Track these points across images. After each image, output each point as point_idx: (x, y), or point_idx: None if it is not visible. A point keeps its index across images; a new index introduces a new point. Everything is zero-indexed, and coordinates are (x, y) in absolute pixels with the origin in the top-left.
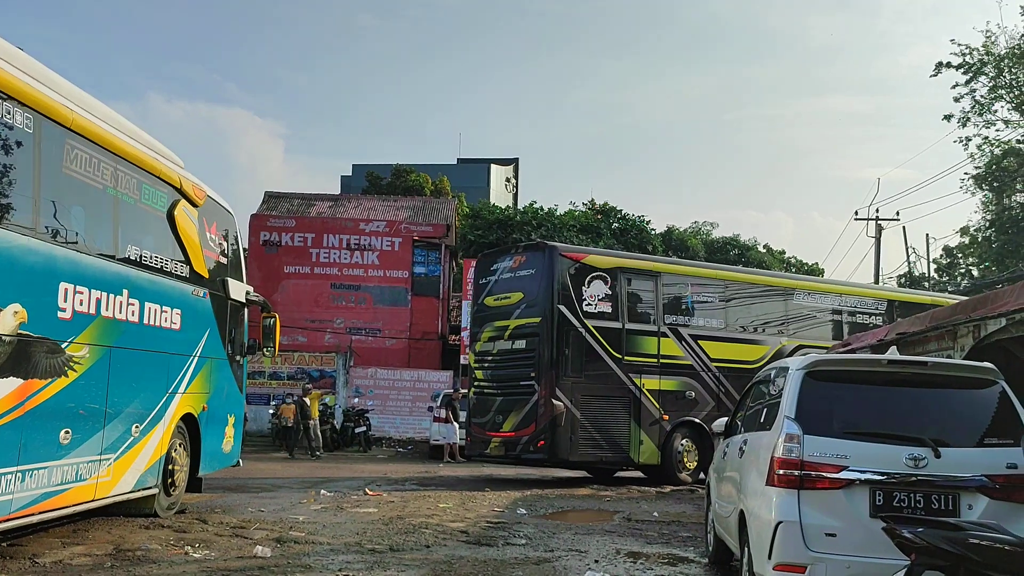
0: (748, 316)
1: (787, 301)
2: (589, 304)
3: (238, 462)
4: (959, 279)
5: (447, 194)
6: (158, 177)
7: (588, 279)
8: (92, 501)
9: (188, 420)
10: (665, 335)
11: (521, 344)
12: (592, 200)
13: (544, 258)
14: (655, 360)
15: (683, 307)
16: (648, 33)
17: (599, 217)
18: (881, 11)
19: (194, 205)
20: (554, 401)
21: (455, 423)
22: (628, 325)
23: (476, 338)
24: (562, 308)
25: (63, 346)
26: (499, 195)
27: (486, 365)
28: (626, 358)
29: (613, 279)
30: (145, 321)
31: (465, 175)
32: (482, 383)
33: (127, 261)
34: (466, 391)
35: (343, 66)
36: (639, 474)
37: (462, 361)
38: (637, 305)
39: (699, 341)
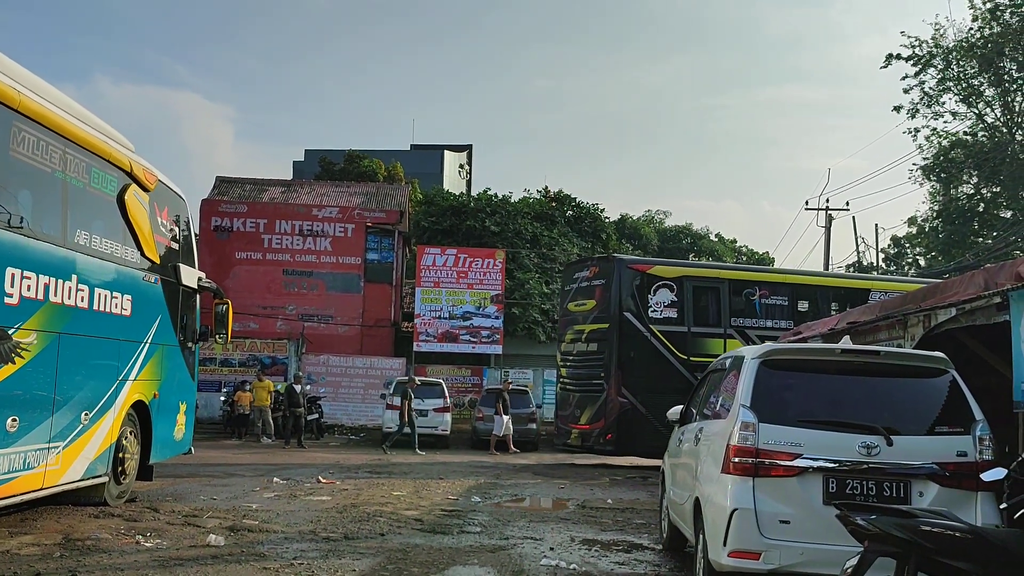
0: (819, 316)
1: (862, 301)
2: (655, 310)
3: (190, 450)
4: (907, 269)
5: (400, 180)
6: (108, 161)
7: (654, 288)
8: (40, 490)
9: (139, 407)
10: (732, 336)
11: (594, 347)
12: (546, 188)
13: (612, 269)
14: None
15: (750, 310)
16: (602, 22)
17: (553, 205)
18: (833, 2)
19: (145, 190)
20: (620, 399)
21: (504, 416)
22: (693, 328)
23: (562, 339)
24: (627, 315)
25: (10, 332)
26: (453, 182)
27: (568, 364)
28: (692, 358)
29: (679, 287)
30: (95, 307)
31: (418, 161)
32: (565, 379)
33: (76, 246)
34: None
35: (294, 49)
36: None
37: (415, 348)
38: (703, 310)
39: (767, 342)
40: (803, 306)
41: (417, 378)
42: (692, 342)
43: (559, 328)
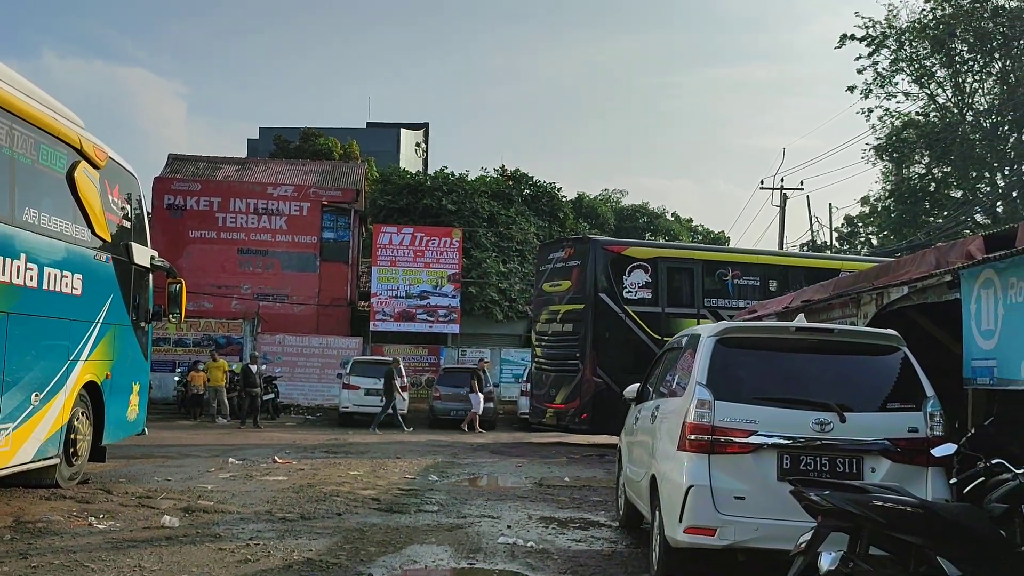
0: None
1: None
2: (630, 291)
3: (143, 431)
4: (859, 248)
5: (356, 158)
6: (57, 137)
7: (629, 269)
8: None
9: (91, 388)
10: (705, 316)
11: (569, 327)
12: (503, 166)
13: (587, 251)
14: None
15: (723, 290)
16: (558, 0)
17: (510, 183)
18: None
19: (95, 167)
20: (595, 379)
21: (480, 393)
22: (667, 309)
23: (536, 319)
24: (603, 296)
25: None
26: (409, 160)
27: (543, 344)
28: (665, 339)
29: (653, 268)
30: (44, 286)
31: (374, 139)
32: (540, 360)
33: (25, 224)
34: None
35: (248, 25)
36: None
37: (371, 328)
38: (676, 290)
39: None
40: (774, 286)
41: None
42: (666, 322)
43: (534, 308)
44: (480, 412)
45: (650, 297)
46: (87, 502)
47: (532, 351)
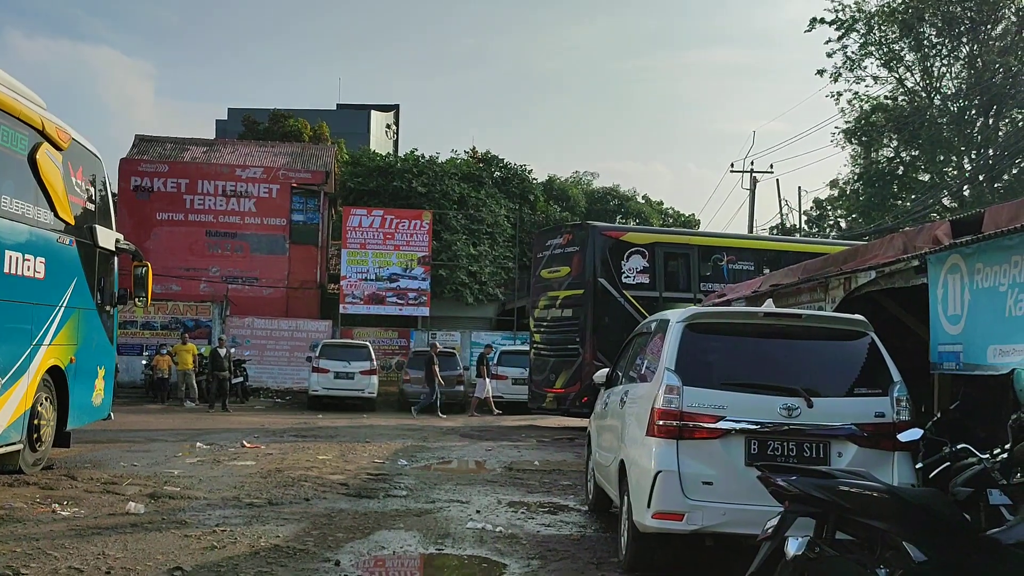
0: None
1: None
2: (628, 276)
3: (109, 415)
4: (828, 231)
5: (326, 140)
6: (17, 118)
7: (627, 254)
8: None
9: (55, 373)
10: (701, 301)
11: (569, 312)
12: (474, 148)
13: (586, 236)
14: None
15: (718, 275)
16: None
17: (481, 165)
18: None
19: (58, 149)
20: (595, 362)
21: (487, 378)
22: (665, 293)
23: (535, 306)
24: (602, 281)
25: None
26: (379, 142)
27: (542, 330)
28: None
29: (651, 253)
30: (5, 270)
31: (345, 121)
32: (539, 345)
33: None
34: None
35: (216, 3)
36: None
37: (341, 310)
38: (673, 275)
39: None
40: (767, 271)
41: (439, 344)
42: (663, 306)
43: (531, 295)
44: (486, 396)
45: (648, 282)
46: (51, 488)
47: (529, 337)
